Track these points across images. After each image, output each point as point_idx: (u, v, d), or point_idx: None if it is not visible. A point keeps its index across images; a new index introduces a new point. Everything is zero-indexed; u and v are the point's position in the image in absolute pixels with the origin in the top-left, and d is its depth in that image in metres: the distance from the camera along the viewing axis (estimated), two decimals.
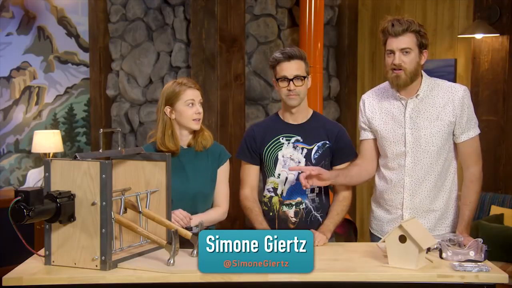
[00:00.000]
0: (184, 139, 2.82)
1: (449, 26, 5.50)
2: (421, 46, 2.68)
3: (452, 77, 5.43)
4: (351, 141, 2.94)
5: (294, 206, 2.88)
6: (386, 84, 2.83)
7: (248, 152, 2.93)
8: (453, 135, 2.74)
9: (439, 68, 5.51)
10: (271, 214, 2.91)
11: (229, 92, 4.55)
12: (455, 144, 2.77)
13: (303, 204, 2.87)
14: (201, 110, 2.78)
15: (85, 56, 5.94)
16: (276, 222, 2.91)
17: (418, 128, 2.72)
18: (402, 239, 2.31)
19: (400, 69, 2.65)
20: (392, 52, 2.67)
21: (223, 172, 2.89)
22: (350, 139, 2.95)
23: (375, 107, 2.82)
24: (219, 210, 2.87)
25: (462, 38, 5.35)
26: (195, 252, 2.40)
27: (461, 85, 2.77)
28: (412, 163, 2.74)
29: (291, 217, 2.89)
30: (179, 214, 2.69)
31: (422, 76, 2.74)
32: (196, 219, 2.70)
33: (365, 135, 2.89)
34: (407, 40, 2.65)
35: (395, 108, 2.77)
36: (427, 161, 2.73)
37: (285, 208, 2.89)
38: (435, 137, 2.71)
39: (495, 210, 4.85)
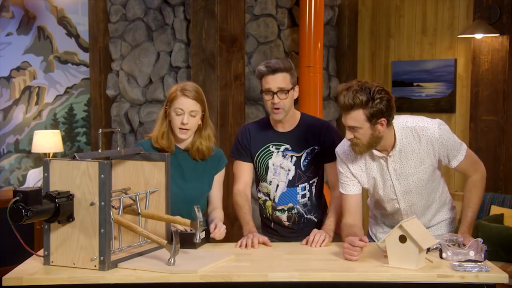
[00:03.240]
0: (182, 142, 2.80)
1: (449, 26, 5.50)
2: (373, 118, 2.44)
3: (452, 77, 5.44)
4: (339, 137, 2.88)
5: (286, 211, 2.93)
6: None
7: (243, 151, 2.95)
8: (443, 163, 2.68)
9: (439, 68, 5.51)
10: (264, 215, 3.00)
11: (229, 92, 4.55)
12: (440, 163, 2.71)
13: (295, 210, 2.92)
14: (187, 121, 2.68)
15: (85, 56, 5.94)
16: (272, 224, 2.99)
17: (405, 177, 2.64)
18: (402, 239, 2.30)
19: (353, 143, 2.52)
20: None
21: (220, 177, 2.88)
22: (339, 134, 2.92)
23: (361, 168, 2.67)
24: (221, 212, 2.87)
25: (462, 38, 5.35)
26: (197, 238, 2.38)
27: (434, 121, 2.59)
28: (407, 206, 2.72)
29: (284, 221, 2.95)
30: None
31: (394, 128, 2.56)
32: (221, 224, 2.69)
33: (353, 189, 2.69)
34: (353, 118, 2.45)
35: (378, 164, 2.65)
36: (421, 199, 2.71)
37: (278, 213, 2.95)
38: (423, 180, 2.65)
39: (495, 210, 4.84)
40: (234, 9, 4.54)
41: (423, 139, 2.57)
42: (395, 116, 2.56)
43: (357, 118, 2.45)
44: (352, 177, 2.69)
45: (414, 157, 2.60)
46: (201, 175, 2.81)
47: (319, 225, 2.92)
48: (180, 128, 2.70)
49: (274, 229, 2.98)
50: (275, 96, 2.78)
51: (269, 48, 5.20)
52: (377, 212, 2.89)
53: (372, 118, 2.45)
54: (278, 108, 2.80)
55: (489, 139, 5.20)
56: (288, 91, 2.79)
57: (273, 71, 2.77)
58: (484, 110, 5.21)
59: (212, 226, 2.65)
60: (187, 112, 2.68)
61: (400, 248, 2.31)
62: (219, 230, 2.63)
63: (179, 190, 2.75)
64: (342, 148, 2.70)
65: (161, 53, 5.28)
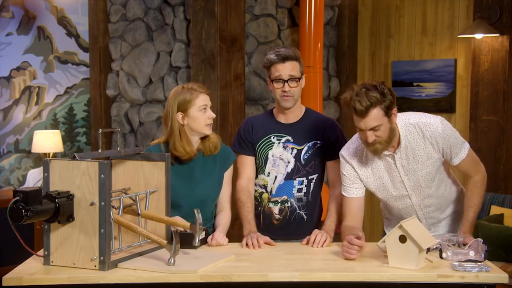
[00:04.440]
0: (194, 144, 2.80)
1: (449, 26, 5.50)
2: (388, 112, 2.48)
3: (452, 77, 5.44)
4: (343, 135, 2.92)
5: (279, 204, 2.91)
6: (360, 140, 2.66)
7: (245, 144, 2.94)
8: (446, 160, 2.68)
9: (439, 68, 5.51)
10: (259, 208, 2.95)
11: (229, 92, 4.55)
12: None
13: (289, 203, 2.91)
14: (213, 114, 2.75)
15: (85, 56, 5.94)
16: (261, 217, 2.94)
17: (414, 172, 2.64)
18: (402, 239, 2.31)
19: (376, 143, 2.51)
20: (362, 129, 2.50)
21: (229, 174, 2.87)
22: (343, 133, 2.94)
23: (367, 168, 2.69)
24: (227, 214, 2.86)
25: (462, 38, 5.35)
26: (196, 241, 2.39)
27: (436, 117, 2.62)
28: (420, 200, 2.71)
29: (275, 214, 2.92)
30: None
31: (397, 126, 2.59)
32: (222, 236, 2.71)
33: (356, 192, 2.70)
34: (374, 117, 2.45)
35: (385, 163, 2.66)
36: (431, 192, 2.70)
37: (271, 205, 2.92)
38: (431, 173, 2.66)
39: (495, 210, 4.84)
40: (234, 9, 4.54)
41: (427, 134, 2.59)
42: (397, 114, 2.58)
43: (377, 116, 2.46)
44: (357, 180, 2.69)
45: (421, 152, 2.62)
46: (211, 174, 2.81)
47: (308, 223, 2.92)
48: (207, 125, 2.73)
49: (263, 225, 2.93)
50: (286, 84, 2.79)
51: (269, 48, 5.19)
52: (391, 216, 2.88)
53: (388, 111, 2.49)
54: (288, 96, 2.81)
55: (489, 139, 5.20)
56: (299, 79, 2.81)
57: (284, 59, 2.79)
58: (484, 110, 5.21)
59: (209, 238, 2.67)
60: (209, 106, 2.76)
61: (400, 248, 2.31)
62: (215, 242, 2.65)
63: (190, 192, 2.75)
64: (347, 150, 2.70)
65: (161, 53, 5.28)
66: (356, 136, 2.71)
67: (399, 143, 2.60)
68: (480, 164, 2.73)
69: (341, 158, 2.72)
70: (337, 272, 2.28)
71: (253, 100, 5.20)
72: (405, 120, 2.61)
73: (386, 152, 2.61)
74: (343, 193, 2.73)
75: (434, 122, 2.60)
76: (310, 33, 5.11)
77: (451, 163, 2.68)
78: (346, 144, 2.72)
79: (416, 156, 2.62)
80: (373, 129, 2.48)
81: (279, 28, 5.35)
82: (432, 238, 2.38)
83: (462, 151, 2.65)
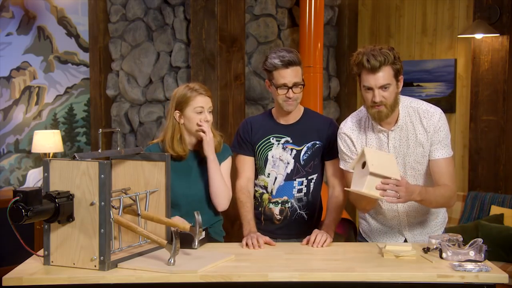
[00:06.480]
0: (192, 143, 2.81)
1: (449, 26, 5.50)
2: (397, 75, 2.54)
3: (452, 77, 5.44)
4: None
5: (280, 204, 2.92)
6: (360, 114, 2.73)
7: (244, 145, 2.95)
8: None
9: (439, 68, 5.51)
10: (260, 209, 2.95)
11: (229, 92, 4.55)
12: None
13: (289, 203, 2.91)
14: (209, 117, 2.75)
15: (85, 56, 5.94)
16: (262, 217, 2.95)
17: (403, 156, 2.65)
18: (364, 164, 2.38)
19: (381, 105, 2.53)
20: (371, 88, 2.52)
21: (225, 167, 2.87)
22: None
23: (362, 142, 2.69)
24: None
25: (462, 38, 5.35)
26: (196, 243, 2.39)
27: (436, 108, 2.66)
28: None
29: (276, 214, 2.93)
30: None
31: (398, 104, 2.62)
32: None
33: None
34: (385, 76, 2.49)
35: (378, 140, 2.67)
36: (415, 183, 2.66)
37: (271, 205, 2.93)
38: (419, 163, 2.65)
39: (495, 210, 4.85)
40: (234, 9, 4.54)
41: (424, 121, 2.62)
42: (400, 96, 2.62)
43: (387, 75, 2.51)
44: (354, 155, 2.69)
45: (414, 138, 2.63)
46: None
47: (309, 223, 2.93)
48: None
49: (264, 225, 2.94)
50: (290, 90, 2.79)
51: (269, 48, 5.20)
52: (371, 211, 2.85)
53: (396, 75, 2.53)
54: (292, 101, 2.81)
55: (489, 139, 5.20)
56: (303, 85, 2.82)
57: (288, 64, 2.77)
58: (484, 110, 5.21)
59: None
60: (207, 109, 2.75)
61: (359, 173, 2.39)
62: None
63: (190, 191, 2.76)
64: (345, 124, 2.74)
65: (161, 53, 5.28)
66: (355, 112, 2.76)
67: (396, 121, 2.62)
68: (454, 181, 2.67)
69: (340, 133, 2.74)
70: (337, 272, 2.28)
71: (253, 100, 5.20)
72: (407, 102, 2.65)
73: (381, 128, 2.63)
74: (343, 168, 2.73)
75: (433, 111, 2.64)
76: (310, 33, 5.11)
77: (430, 156, 2.64)
78: (344, 121, 2.75)
79: (409, 140, 2.63)
80: (382, 87, 2.51)
81: (279, 28, 5.35)
82: (395, 170, 2.41)
83: (446, 151, 2.63)
